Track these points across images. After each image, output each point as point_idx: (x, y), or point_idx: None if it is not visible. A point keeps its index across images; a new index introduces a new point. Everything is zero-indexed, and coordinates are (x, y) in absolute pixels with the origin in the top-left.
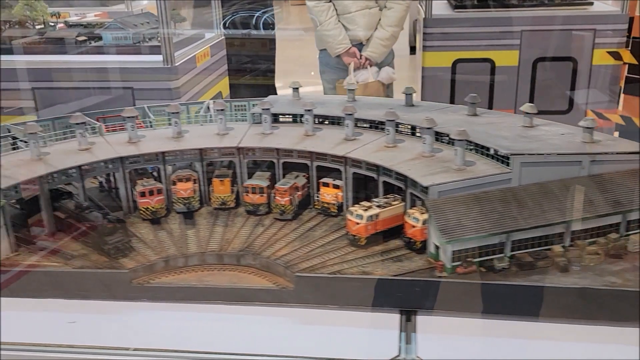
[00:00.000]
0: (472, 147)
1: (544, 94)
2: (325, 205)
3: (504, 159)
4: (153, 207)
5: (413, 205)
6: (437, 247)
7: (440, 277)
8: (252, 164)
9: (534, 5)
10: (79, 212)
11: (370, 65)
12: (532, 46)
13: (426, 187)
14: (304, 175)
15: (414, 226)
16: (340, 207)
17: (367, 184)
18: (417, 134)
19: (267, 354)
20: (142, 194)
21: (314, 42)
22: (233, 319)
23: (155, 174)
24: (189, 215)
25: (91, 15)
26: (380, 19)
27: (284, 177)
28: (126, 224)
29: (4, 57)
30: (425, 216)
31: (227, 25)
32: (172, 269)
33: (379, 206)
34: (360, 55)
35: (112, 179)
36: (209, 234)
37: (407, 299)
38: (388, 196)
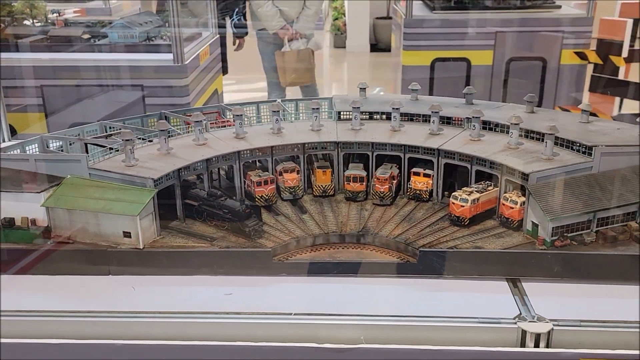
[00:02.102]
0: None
1: (516, 91)
2: (417, 192)
3: (586, 150)
4: (267, 195)
5: (507, 190)
6: (534, 225)
7: (542, 249)
8: (344, 156)
9: (506, 8)
10: (214, 200)
11: (301, 37)
12: (506, 46)
13: (527, 174)
14: (395, 166)
15: (512, 207)
16: (430, 193)
17: (452, 173)
18: (491, 128)
19: (407, 314)
20: (259, 184)
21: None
22: (366, 289)
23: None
24: (295, 202)
25: (70, 11)
26: (305, 1)
27: (376, 168)
28: (260, 210)
29: (11, 55)
30: (523, 199)
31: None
32: (303, 247)
33: (478, 191)
34: (294, 31)
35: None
36: (322, 218)
37: (514, 269)
38: (482, 182)
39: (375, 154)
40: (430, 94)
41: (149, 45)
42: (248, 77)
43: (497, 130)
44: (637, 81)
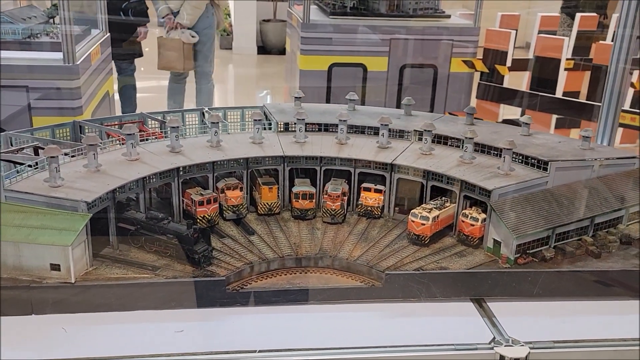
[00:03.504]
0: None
1: (409, 96)
2: (369, 208)
3: (541, 165)
4: (209, 215)
5: (466, 207)
6: (496, 243)
7: (507, 268)
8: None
9: (399, 16)
10: (155, 223)
11: (181, 28)
12: (399, 53)
13: (489, 191)
14: (345, 181)
15: (472, 225)
16: (382, 210)
17: (405, 188)
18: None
19: (377, 345)
20: (201, 203)
21: None
22: (335, 316)
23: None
24: (238, 222)
25: None
26: None
27: (323, 184)
28: (210, 234)
29: None
30: (483, 216)
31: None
32: (258, 274)
33: (437, 208)
34: (174, 21)
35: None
36: (272, 239)
37: (480, 289)
38: (438, 199)
39: (323, 168)
40: (328, 99)
41: (33, 43)
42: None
43: (444, 143)
44: (523, 89)
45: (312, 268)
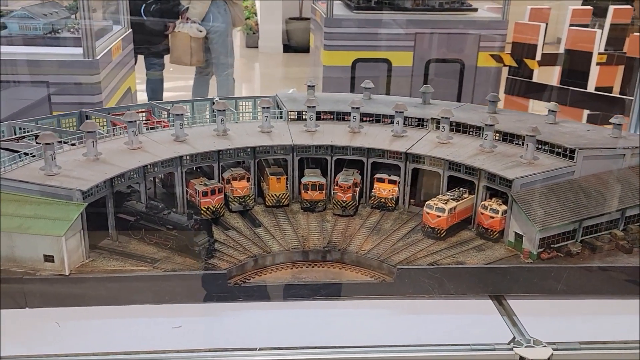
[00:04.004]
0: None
1: (434, 92)
2: (382, 200)
3: (568, 153)
4: (214, 207)
5: (486, 198)
6: (517, 236)
7: (529, 263)
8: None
9: (425, 10)
10: (155, 214)
11: (190, 22)
12: (425, 48)
13: (510, 180)
14: (357, 172)
15: (492, 217)
16: (396, 202)
17: (417, 179)
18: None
19: (386, 345)
20: (205, 194)
21: None
22: (342, 313)
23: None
24: (245, 214)
25: None
26: None
27: (335, 174)
28: (211, 225)
29: None
30: (504, 207)
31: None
32: (262, 267)
33: (454, 199)
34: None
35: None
36: (279, 232)
37: (500, 285)
38: (456, 190)
39: (334, 158)
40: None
41: (54, 39)
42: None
43: (464, 131)
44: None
45: (320, 262)
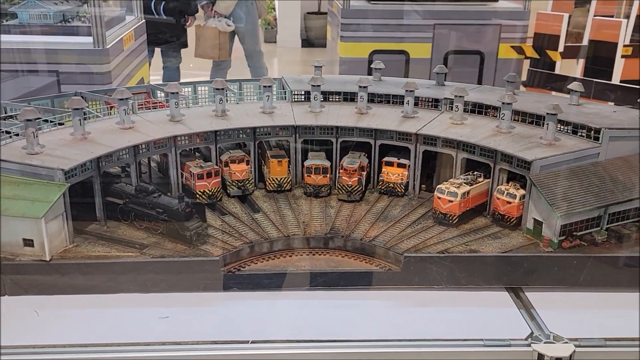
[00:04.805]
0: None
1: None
2: (391, 185)
3: (593, 134)
4: (210, 190)
5: (502, 182)
6: (537, 223)
7: (549, 252)
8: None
9: (445, 0)
10: (145, 196)
11: (218, 17)
12: (444, 39)
13: (529, 162)
14: (364, 154)
15: (508, 202)
16: (406, 187)
17: (428, 163)
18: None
19: (392, 339)
20: (200, 176)
21: None
22: (344, 305)
23: (198, 155)
24: (244, 199)
25: None
26: None
27: (340, 157)
28: (204, 208)
29: None
30: (522, 192)
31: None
32: (259, 254)
33: (467, 183)
34: (211, 9)
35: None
36: (279, 217)
37: (517, 276)
38: (470, 173)
39: (340, 140)
40: None
41: (65, 27)
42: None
43: (479, 112)
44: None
45: (321, 249)
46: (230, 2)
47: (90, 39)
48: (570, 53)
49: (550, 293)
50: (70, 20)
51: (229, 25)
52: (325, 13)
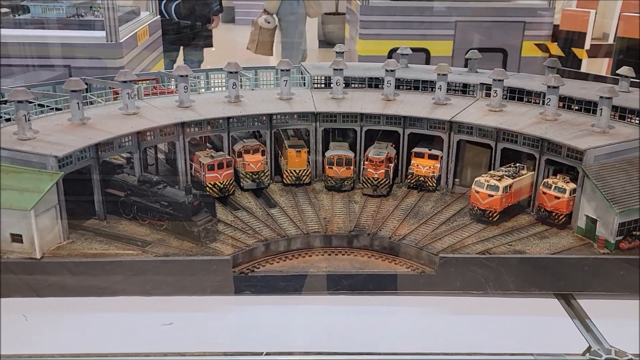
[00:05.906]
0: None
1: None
2: (421, 178)
3: None
4: (221, 183)
5: (549, 175)
6: (590, 221)
7: (605, 254)
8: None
9: None
10: (149, 188)
11: (265, 14)
12: (466, 37)
13: (582, 152)
14: (391, 145)
15: (557, 197)
16: (438, 180)
17: (467, 154)
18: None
19: (436, 352)
20: (211, 167)
21: None
22: (370, 311)
23: (209, 144)
24: (259, 193)
25: None
26: None
27: (366, 148)
28: (214, 202)
29: None
30: (573, 186)
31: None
32: (274, 254)
33: (509, 176)
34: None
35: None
36: (297, 213)
37: (569, 281)
38: (511, 165)
39: (364, 129)
40: None
41: (78, 22)
42: None
43: (519, 99)
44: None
45: (345, 249)
46: (275, 1)
47: (103, 33)
48: (596, 52)
49: (604, 301)
50: (83, 14)
51: (268, 22)
52: (343, 14)
